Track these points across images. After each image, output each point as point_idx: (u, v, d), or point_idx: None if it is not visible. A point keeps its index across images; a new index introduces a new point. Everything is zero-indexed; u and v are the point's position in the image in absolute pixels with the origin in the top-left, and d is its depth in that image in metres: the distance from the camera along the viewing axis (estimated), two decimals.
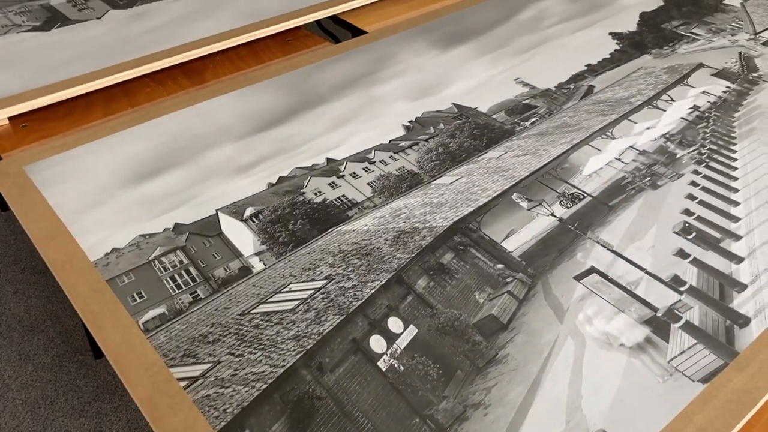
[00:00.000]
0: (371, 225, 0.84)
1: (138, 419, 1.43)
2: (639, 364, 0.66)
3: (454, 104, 1.07)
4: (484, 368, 0.66)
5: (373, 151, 0.97)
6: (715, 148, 0.95)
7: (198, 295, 0.76)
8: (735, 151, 0.94)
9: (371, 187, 0.91)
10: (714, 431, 0.59)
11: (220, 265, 0.80)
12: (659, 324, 0.70)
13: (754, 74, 1.12)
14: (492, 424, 0.61)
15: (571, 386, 0.64)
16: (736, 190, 0.87)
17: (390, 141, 1.00)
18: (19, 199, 0.90)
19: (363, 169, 0.94)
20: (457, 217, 0.85)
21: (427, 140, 0.99)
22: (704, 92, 1.07)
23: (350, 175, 0.93)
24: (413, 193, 0.89)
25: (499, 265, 0.78)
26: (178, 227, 0.85)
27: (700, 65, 1.15)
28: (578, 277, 0.76)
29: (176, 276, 0.78)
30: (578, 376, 0.65)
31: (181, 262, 0.80)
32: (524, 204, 0.87)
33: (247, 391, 0.65)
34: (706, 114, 1.02)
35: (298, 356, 0.68)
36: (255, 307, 0.74)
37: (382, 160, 0.96)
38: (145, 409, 0.63)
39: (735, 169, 0.91)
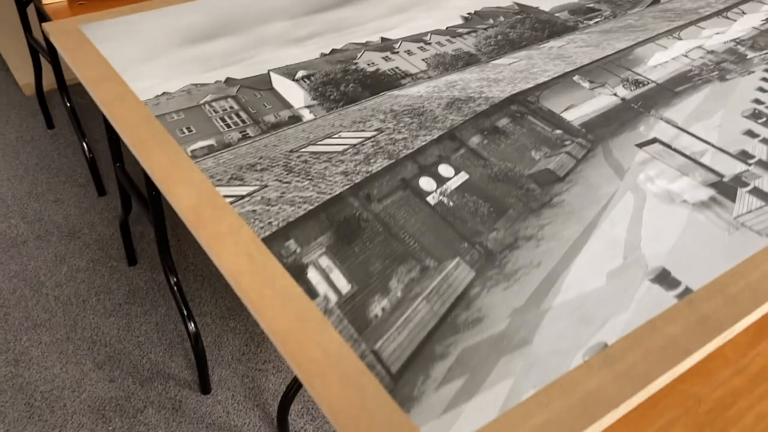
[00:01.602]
0: (424, 92, 0.82)
1: (167, 322, 1.43)
2: (703, 218, 0.63)
3: (515, 2, 1.04)
4: (537, 210, 0.64)
5: (429, 34, 0.95)
6: None
7: (247, 133, 0.74)
8: None
9: (426, 62, 0.89)
10: None
11: (270, 113, 0.78)
12: (725, 188, 0.66)
13: None
14: (544, 254, 0.59)
15: (629, 230, 0.61)
16: None
17: (447, 27, 0.97)
18: (73, 50, 0.89)
19: (418, 47, 0.92)
20: (515, 91, 0.82)
21: (486, 29, 0.97)
22: None
23: (405, 52, 0.91)
24: (470, 70, 0.87)
25: (558, 131, 0.75)
26: (229, 80, 0.84)
27: None
28: (640, 145, 0.72)
29: (226, 117, 0.77)
30: (638, 223, 0.62)
31: (231, 107, 0.79)
32: (586, 84, 0.84)
33: (293, 210, 0.63)
34: None
35: (345, 188, 0.66)
36: (304, 147, 0.72)
37: (439, 42, 0.93)
38: (188, 217, 0.62)
39: None
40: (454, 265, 0.57)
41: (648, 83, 0.84)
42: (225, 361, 1.40)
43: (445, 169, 0.69)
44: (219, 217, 0.62)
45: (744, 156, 0.71)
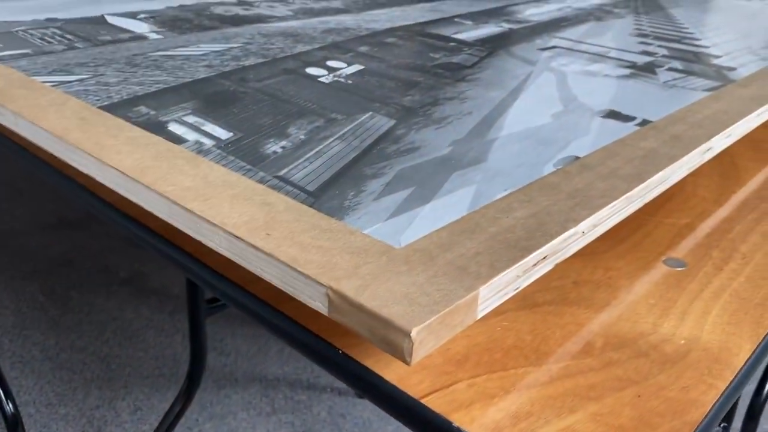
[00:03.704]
0: (296, 24, 0.71)
1: None
2: (632, 83, 0.55)
3: None
4: (452, 84, 0.53)
5: None
6: (649, 10, 0.92)
7: (76, 46, 0.58)
8: (673, 14, 0.91)
9: (291, 11, 0.78)
10: (735, 113, 0.49)
11: (105, 36, 0.63)
12: (643, 68, 0.60)
13: None
14: (473, 107, 0.47)
15: (560, 90, 0.52)
16: (684, 26, 0.83)
17: None
18: None
19: (281, 4, 0.82)
20: (396, 26, 0.74)
21: None
22: None
23: (266, 6, 0.80)
24: (342, 16, 0.78)
25: (452, 43, 0.67)
26: (51, 20, 0.68)
27: None
28: (542, 49, 0.66)
29: (47, 38, 0.60)
30: (566, 87, 0.53)
31: (54, 33, 0.63)
32: (468, 22, 0.77)
33: (142, 89, 0.47)
34: None
35: (211, 74, 0.52)
36: (152, 52, 0.57)
37: (303, 1, 0.84)
38: None
39: (677, 19, 0.87)
40: (368, 117, 0.44)
41: (531, 22, 0.79)
42: None
43: (335, 63, 0.57)
44: (36, 95, 0.45)
45: (648, 53, 0.66)
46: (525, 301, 0.33)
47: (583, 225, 0.31)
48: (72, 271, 1.59)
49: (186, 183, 0.33)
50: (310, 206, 0.31)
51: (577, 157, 0.39)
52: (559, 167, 0.37)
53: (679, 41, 0.72)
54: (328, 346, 0.29)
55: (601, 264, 0.37)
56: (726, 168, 0.51)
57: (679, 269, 0.36)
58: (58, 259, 1.63)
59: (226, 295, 0.33)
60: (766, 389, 1.00)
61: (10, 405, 1.03)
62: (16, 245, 1.68)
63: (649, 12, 0.90)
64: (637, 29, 0.78)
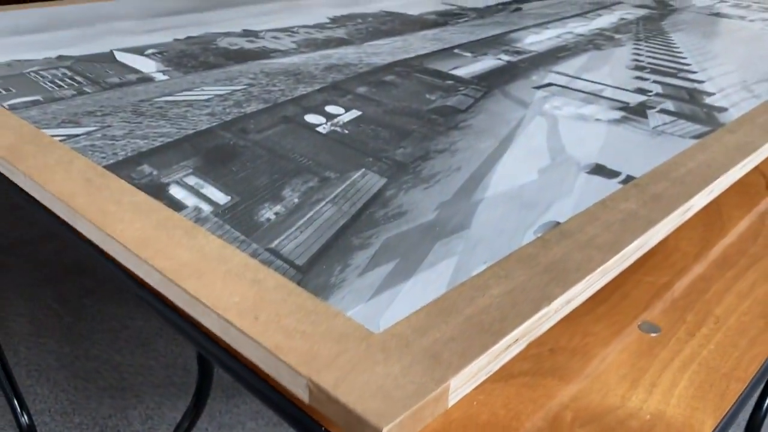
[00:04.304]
0: (298, 60, 0.73)
1: None
2: (622, 129, 0.57)
3: (383, 11, 1.00)
4: (444, 132, 0.55)
5: (296, 27, 0.88)
6: (650, 35, 0.93)
7: (85, 91, 0.61)
8: (673, 40, 0.92)
9: (295, 43, 0.80)
10: (719, 166, 0.50)
11: (113, 77, 0.65)
12: (634, 110, 0.62)
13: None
14: (462, 161, 0.49)
15: (549, 141, 0.54)
16: (682, 55, 0.84)
17: (315, 24, 0.91)
18: None
19: (285, 35, 0.84)
20: (397, 59, 0.75)
21: (355, 25, 0.91)
22: (627, 13, 1.08)
23: (271, 37, 0.82)
24: (344, 48, 0.80)
25: (449, 81, 0.68)
26: (62, 58, 0.70)
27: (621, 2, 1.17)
28: (537, 87, 0.67)
29: (57, 81, 0.63)
30: (556, 135, 0.55)
31: (64, 74, 0.65)
32: (468, 54, 0.79)
33: (146, 143, 0.50)
34: (635, 21, 1.02)
35: (213, 124, 0.54)
36: (157, 98, 0.59)
37: (307, 32, 0.86)
38: (5, 156, 0.46)
39: (676, 46, 0.88)
40: (360, 175, 0.46)
41: (529, 52, 0.81)
42: None
43: (333, 108, 0.59)
44: (45, 152, 0.47)
45: (641, 91, 0.67)
46: (502, 372, 0.35)
47: (557, 303, 0.33)
48: (84, 279, 1.62)
49: (183, 257, 0.35)
50: (298, 283, 0.33)
51: (558, 223, 0.40)
52: (539, 234, 0.39)
53: (675, 75, 0.74)
54: (312, 422, 0.31)
55: (579, 329, 0.38)
56: (711, 217, 0.52)
57: (653, 335, 0.38)
58: (70, 266, 1.66)
59: (218, 361, 0.35)
60: (765, 406, 1.01)
61: (26, 417, 1.06)
62: (29, 252, 1.72)
63: (649, 38, 0.91)
64: (635, 60, 0.79)
